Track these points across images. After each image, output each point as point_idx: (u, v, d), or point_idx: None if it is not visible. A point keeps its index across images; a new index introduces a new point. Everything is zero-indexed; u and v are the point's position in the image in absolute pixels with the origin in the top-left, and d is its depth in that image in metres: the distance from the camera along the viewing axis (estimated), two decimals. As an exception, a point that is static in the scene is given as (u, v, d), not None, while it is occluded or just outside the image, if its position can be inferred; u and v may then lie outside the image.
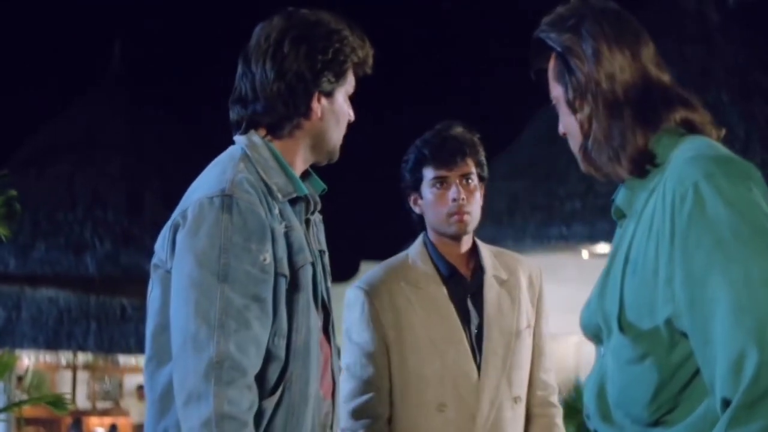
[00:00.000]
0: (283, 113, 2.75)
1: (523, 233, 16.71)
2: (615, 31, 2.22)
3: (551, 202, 16.73)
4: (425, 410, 3.42)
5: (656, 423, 2.07)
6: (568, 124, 2.27)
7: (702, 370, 2.00)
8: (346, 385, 3.45)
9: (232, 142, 2.82)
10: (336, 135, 2.82)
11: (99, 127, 22.16)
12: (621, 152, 2.17)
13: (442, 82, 38.46)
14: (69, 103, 23.68)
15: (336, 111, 2.80)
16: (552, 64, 2.28)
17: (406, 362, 3.44)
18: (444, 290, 3.49)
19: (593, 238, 16.46)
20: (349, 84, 2.82)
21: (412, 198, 3.56)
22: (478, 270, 3.54)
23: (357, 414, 3.43)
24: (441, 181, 3.47)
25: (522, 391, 3.53)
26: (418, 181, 3.52)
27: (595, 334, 2.22)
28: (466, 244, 3.54)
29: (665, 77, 2.24)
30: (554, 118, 2.36)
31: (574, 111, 2.23)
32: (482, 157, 3.55)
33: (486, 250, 3.58)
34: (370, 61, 2.85)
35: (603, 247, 16.54)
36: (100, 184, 21.46)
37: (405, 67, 31.38)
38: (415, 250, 3.57)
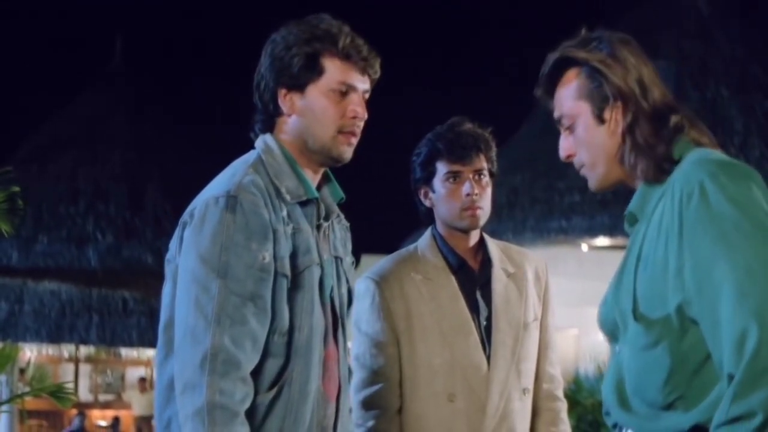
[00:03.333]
0: (261, 112, 2.86)
1: (522, 227, 16.76)
2: (634, 50, 2.41)
3: (551, 196, 16.78)
4: (435, 400, 3.44)
5: (669, 406, 2.22)
6: (589, 138, 2.40)
7: (711, 351, 2.16)
8: (355, 376, 3.47)
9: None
10: (321, 132, 2.81)
11: (100, 122, 22.20)
12: (656, 157, 2.33)
13: (441, 77, 38.45)
14: (71, 99, 23.72)
15: (312, 106, 2.80)
16: (572, 84, 2.41)
17: (415, 352, 3.45)
18: (453, 281, 3.51)
19: (592, 232, 16.51)
20: (329, 78, 2.80)
21: (422, 191, 3.56)
22: (486, 262, 3.56)
23: (367, 405, 3.45)
24: (455, 176, 3.47)
25: (530, 383, 3.56)
26: (430, 174, 3.51)
27: (611, 330, 2.38)
28: (474, 237, 3.56)
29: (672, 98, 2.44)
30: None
31: (602, 123, 2.37)
32: (494, 154, 3.57)
33: (493, 244, 3.61)
34: (347, 42, 2.81)
35: (602, 241, 16.59)
36: (101, 179, 21.52)
37: (405, 63, 31.38)
38: (424, 243, 3.58)
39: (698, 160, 2.26)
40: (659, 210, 2.27)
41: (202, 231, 2.67)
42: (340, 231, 2.97)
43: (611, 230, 16.01)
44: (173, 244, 2.79)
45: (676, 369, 2.20)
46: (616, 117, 2.36)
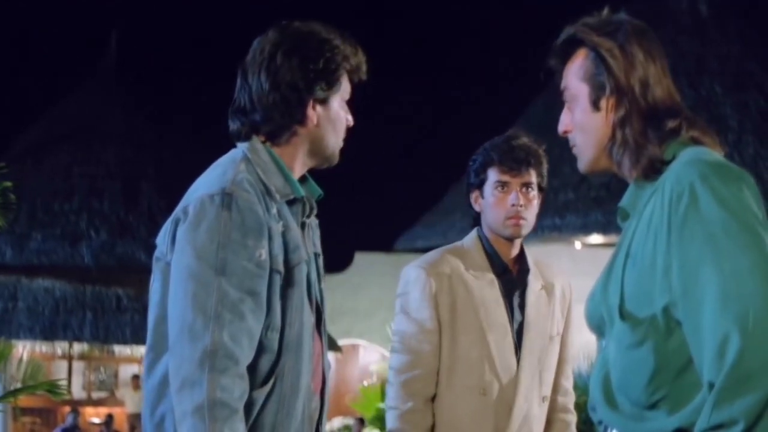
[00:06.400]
0: (280, 122, 2.85)
1: (517, 224, 16.74)
2: (648, 44, 2.40)
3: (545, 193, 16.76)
4: (469, 393, 3.58)
5: (653, 406, 2.21)
6: (584, 122, 2.41)
7: (693, 356, 2.15)
8: (398, 358, 3.62)
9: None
10: (333, 140, 2.90)
11: (95, 118, 22.18)
12: (642, 156, 2.33)
13: (436, 74, 38.46)
14: (66, 95, 23.70)
15: (332, 117, 2.88)
16: (579, 63, 2.42)
17: (456, 345, 3.60)
18: (496, 283, 3.66)
19: (586, 229, 16.52)
20: (344, 91, 2.90)
21: (473, 196, 3.73)
22: (524, 272, 3.72)
23: (406, 388, 3.59)
24: (503, 185, 3.65)
25: (548, 392, 3.74)
26: (482, 181, 3.70)
27: (598, 325, 2.38)
28: (516, 247, 3.73)
29: (678, 96, 2.42)
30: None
31: (597, 110, 2.37)
32: (545, 170, 3.78)
33: (530, 257, 3.77)
34: (364, 67, 2.93)
35: (596, 238, 16.60)
36: (96, 175, 21.50)
37: (399, 60, 31.38)
38: (470, 243, 3.74)
39: (690, 160, 2.24)
40: (649, 208, 2.26)
41: (199, 229, 2.68)
42: (314, 227, 3.01)
43: (605, 228, 16.01)
44: (163, 241, 2.80)
45: (661, 369, 2.20)
46: (610, 108, 2.36)
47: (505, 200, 3.63)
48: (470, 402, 3.58)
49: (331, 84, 2.85)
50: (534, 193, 3.69)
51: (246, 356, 2.65)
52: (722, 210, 2.13)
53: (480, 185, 3.70)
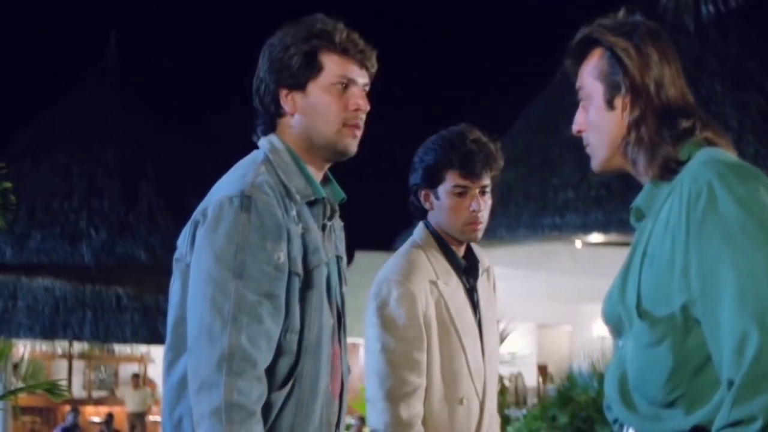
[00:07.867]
0: (261, 116, 2.89)
1: (516, 223, 16.74)
2: (662, 46, 2.42)
3: (545, 192, 16.74)
4: (449, 405, 3.49)
5: (671, 404, 2.23)
6: (598, 121, 2.43)
7: (712, 354, 2.17)
8: (390, 379, 3.43)
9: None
10: (325, 127, 2.84)
11: (94, 116, 22.19)
12: (657, 155, 2.35)
13: (435, 74, 38.46)
14: (65, 94, 23.70)
15: (314, 103, 2.83)
16: (594, 62, 2.44)
17: (439, 357, 3.48)
18: (461, 285, 3.56)
19: (586, 228, 16.48)
20: (329, 73, 2.83)
21: (422, 194, 3.58)
22: (474, 266, 3.62)
23: (404, 412, 3.41)
24: (462, 190, 3.51)
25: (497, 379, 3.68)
26: (437, 181, 3.54)
27: (615, 325, 2.39)
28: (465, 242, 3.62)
29: (691, 98, 2.45)
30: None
31: (611, 109, 2.40)
32: (499, 167, 3.60)
33: (475, 247, 3.66)
34: (343, 37, 2.85)
35: (596, 237, 16.57)
36: (95, 174, 21.51)
37: (397, 59, 31.38)
38: (425, 242, 3.58)
39: (707, 160, 2.27)
40: (666, 208, 2.28)
41: (217, 231, 2.69)
42: (338, 230, 3.00)
43: (605, 227, 15.98)
44: (182, 242, 2.80)
45: (679, 367, 2.21)
46: (624, 107, 2.38)
47: (464, 205, 3.50)
48: (452, 413, 3.48)
49: (303, 68, 2.82)
50: (489, 194, 3.56)
51: (264, 359, 2.66)
52: (740, 209, 2.15)
53: (433, 185, 3.54)
